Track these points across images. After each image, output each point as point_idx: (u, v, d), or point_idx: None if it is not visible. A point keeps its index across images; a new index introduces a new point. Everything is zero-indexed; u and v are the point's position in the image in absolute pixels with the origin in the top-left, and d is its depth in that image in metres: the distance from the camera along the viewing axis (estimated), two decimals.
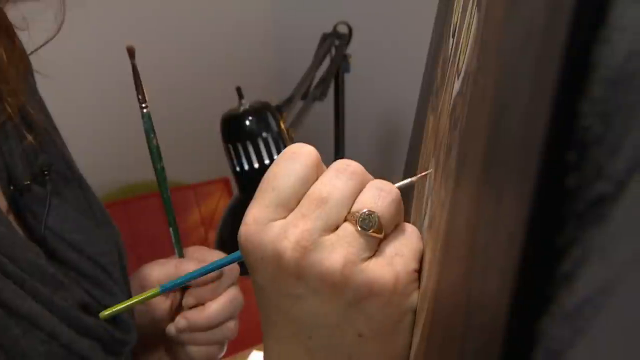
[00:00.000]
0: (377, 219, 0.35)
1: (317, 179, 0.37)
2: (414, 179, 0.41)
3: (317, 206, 0.35)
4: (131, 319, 0.59)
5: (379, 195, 0.36)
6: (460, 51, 0.38)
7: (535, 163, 0.19)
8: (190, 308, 0.66)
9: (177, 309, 0.68)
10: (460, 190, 0.30)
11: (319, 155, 0.38)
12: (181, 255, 0.67)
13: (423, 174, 0.42)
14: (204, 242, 1.56)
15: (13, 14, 0.54)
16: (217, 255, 0.67)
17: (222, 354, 0.71)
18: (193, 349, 0.68)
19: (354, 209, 0.36)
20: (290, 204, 0.36)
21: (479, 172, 0.27)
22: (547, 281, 0.18)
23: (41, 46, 0.58)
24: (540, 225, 0.19)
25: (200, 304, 0.66)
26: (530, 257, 0.19)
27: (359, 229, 0.35)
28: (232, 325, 0.68)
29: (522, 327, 0.19)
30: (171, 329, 0.67)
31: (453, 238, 0.30)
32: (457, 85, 0.37)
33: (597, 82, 0.17)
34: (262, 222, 0.36)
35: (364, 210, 0.35)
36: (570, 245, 0.18)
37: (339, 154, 1.41)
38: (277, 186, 0.36)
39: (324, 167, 0.38)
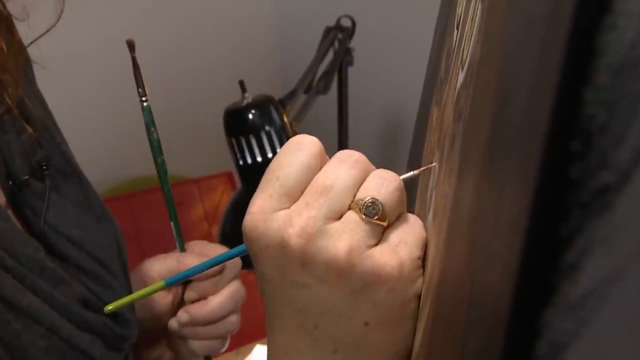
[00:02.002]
0: (380, 207, 0.35)
1: (320, 168, 0.37)
2: (416, 172, 0.41)
3: (321, 194, 0.36)
4: (131, 315, 0.59)
5: (382, 184, 0.36)
6: (465, 42, 0.37)
7: (539, 152, 0.19)
8: (192, 302, 0.66)
9: (179, 304, 0.68)
10: (463, 181, 0.30)
11: (322, 146, 0.38)
12: (182, 249, 0.67)
13: (426, 167, 0.42)
14: (207, 236, 1.56)
15: (13, 3, 0.53)
16: (218, 249, 0.67)
17: (225, 348, 0.71)
18: (195, 344, 0.68)
19: (358, 197, 0.36)
20: (294, 194, 0.37)
21: (481, 163, 0.27)
22: (551, 272, 0.18)
23: (41, 36, 0.57)
24: (543, 216, 0.18)
25: (202, 298, 0.66)
26: (533, 248, 0.19)
27: (363, 216, 0.35)
28: (234, 319, 0.68)
29: (525, 319, 0.19)
30: (173, 323, 0.67)
31: (456, 230, 0.30)
32: (461, 76, 0.37)
33: (601, 69, 0.17)
34: (267, 212, 0.36)
35: (368, 198, 0.36)
36: (574, 235, 0.18)
37: (342, 147, 1.40)
38: (281, 175, 0.37)
39: (327, 157, 0.38)
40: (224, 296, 0.66)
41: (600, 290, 0.17)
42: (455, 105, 0.37)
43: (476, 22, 0.34)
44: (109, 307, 0.51)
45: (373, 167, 0.38)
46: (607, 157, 0.17)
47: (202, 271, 0.55)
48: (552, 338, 0.18)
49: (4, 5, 0.53)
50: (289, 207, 0.36)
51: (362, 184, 0.37)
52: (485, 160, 0.26)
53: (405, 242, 0.36)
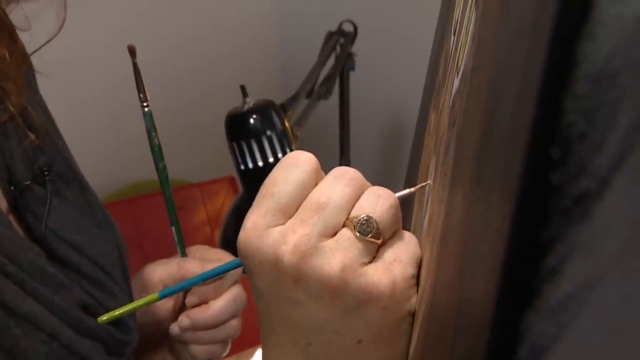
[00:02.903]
0: (375, 225, 0.35)
1: (316, 185, 0.37)
2: (412, 189, 0.41)
3: (316, 212, 0.36)
4: (132, 320, 0.59)
5: (377, 201, 0.36)
6: (460, 49, 0.38)
7: (521, 159, 0.19)
8: (194, 307, 0.66)
9: (180, 308, 0.68)
10: (455, 187, 0.30)
11: (317, 162, 0.38)
12: (184, 254, 0.67)
13: (422, 184, 0.42)
14: (210, 241, 1.56)
15: (15, 13, 0.54)
16: (219, 254, 0.68)
17: (226, 352, 0.71)
18: (196, 348, 0.68)
19: (353, 214, 0.36)
20: (289, 210, 0.37)
21: (471, 169, 0.27)
22: (532, 276, 0.18)
23: (43, 45, 0.58)
24: (525, 221, 0.19)
25: (203, 302, 0.66)
26: (515, 253, 0.19)
27: (357, 234, 0.35)
28: (235, 323, 0.68)
29: (508, 323, 0.19)
30: (174, 328, 0.67)
31: (448, 236, 0.30)
32: (456, 82, 0.37)
33: (581, 79, 0.17)
34: (261, 228, 0.36)
35: (362, 216, 0.36)
36: (555, 241, 0.18)
37: (343, 152, 1.41)
38: (276, 192, 0.37)
39: (323, 174, 0.39)
40: (225, 300, 0.66)
41: (581, 295, 0.17)
42: (451, 111, 0.37)
43: (470, 30, 0.35)
44: (103, 318, 0.51)
45: (368, 184, 0.38)
46: (587, 164, 0.17)
47: (196, 283, 0.55)
48: (534, 341, 0.18)
49: (6, 15, 0.54)
50: (283, 224, 0.36)
51: (357, 201, 0.37)
52: (474, 166, 0.26)
53: (399, 260, 0.36)
